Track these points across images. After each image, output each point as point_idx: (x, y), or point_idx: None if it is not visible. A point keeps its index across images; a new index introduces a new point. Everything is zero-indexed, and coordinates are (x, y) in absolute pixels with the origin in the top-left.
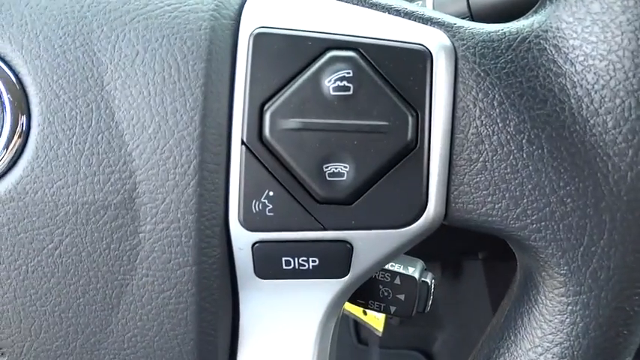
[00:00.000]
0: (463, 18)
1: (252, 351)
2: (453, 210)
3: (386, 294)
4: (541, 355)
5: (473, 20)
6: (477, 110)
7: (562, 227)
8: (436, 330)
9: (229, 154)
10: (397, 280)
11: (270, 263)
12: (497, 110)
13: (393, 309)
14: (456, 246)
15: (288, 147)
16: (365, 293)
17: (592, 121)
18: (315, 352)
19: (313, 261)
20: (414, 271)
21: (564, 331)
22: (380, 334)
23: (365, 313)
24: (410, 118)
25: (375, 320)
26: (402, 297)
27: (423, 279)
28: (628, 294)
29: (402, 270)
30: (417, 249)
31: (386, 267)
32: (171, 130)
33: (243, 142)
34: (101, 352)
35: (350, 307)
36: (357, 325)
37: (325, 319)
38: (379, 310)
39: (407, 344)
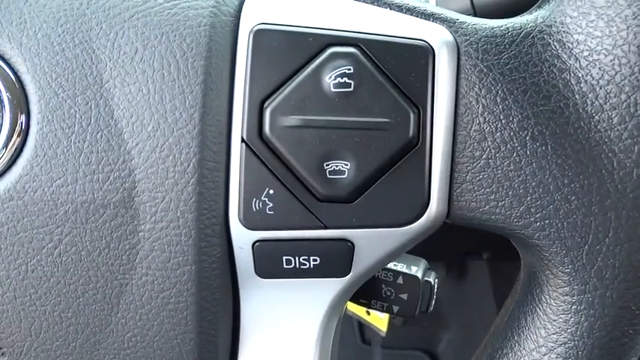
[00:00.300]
0: (466, 15)
1: (253, 351)
2: (455, 208)
3: (389, 293)
4: (545, 355)
5: (476, 17)
6: (480, 107)
7: (566, 225)
8: (441, 330)
9: (229, 151)
10: (400, 280)
11: (271, 262)
12: (500, 106)
13: (395, 309)
14: (461, 246)
15: (289, 144)
16: (367, 293)
17: (597, 117)
18: (316, 351)
19: (314, 260)
20: (417, 270)
21: (568, 330)
22: (384, 335)
23: (368, 313)
24: (412, 115)
25: (379, 320)
26: (404, 296)
27: (426, 278)
28: (634, 293)
29: (405, 269)
30: (421, 248)
31: (389, 266)
32: (170, 128)
33: (243, 140)
34: (101, 352)
35: (353, 307)
36: (361, 325)
37: (327, 318)
38: (382, 310)
39: (411, 344)
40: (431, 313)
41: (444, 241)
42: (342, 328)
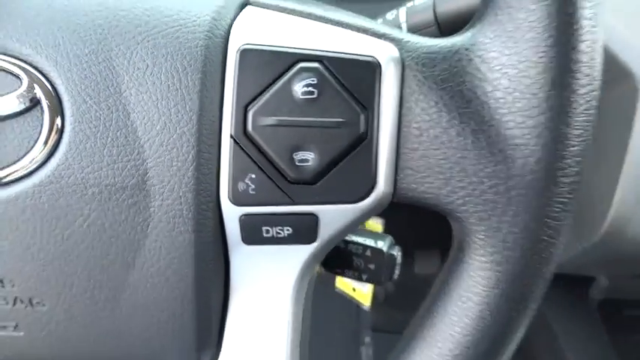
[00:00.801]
0: (431, 26)
1: (240, 302)
2: (399, 189)
3: (359, 264)
4: (464, 303)
5: (440, 27)
6: (418, 109)
7: (481, 202)
8: None
9: (220, 145)
10: (368, 252)
11: (254, 232)
12: (433, 109)
13: (364, 277)
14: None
15: (266, 139)
16: (342, 263)
17: (506, 118)
18: (291, 303)
19: (287, 230)
20: (382, 245)
21: (482, 283)
22: (367, 309)
23: (354, 289)
24: (362, 116)
25: (363, 296)
26: (372, 267)
27: (390, 252)
28: (531, 253)
29: (372, 244)
30: (416, 237)
31: (359, 241)
32: (174, 127)
33: (231, 136)
34: (120, 302)
35: (340, 284)
36: (359, 310)
37: (300, 277)
38: (354, 278)
39: (404, 329)
40: (397, 281)
41: (438, 230)
42: (336, 313)
